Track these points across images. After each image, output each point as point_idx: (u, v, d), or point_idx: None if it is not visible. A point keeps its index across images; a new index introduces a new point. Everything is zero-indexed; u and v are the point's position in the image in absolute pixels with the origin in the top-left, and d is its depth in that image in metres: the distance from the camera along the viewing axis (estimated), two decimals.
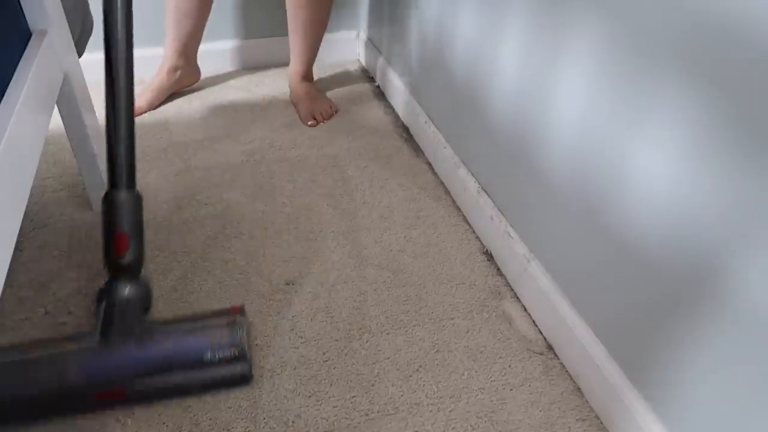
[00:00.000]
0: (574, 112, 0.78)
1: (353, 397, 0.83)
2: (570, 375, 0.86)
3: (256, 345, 0.90)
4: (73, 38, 1.06)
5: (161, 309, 0.96)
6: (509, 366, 0.88)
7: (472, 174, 1.14)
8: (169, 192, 1.22)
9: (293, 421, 0.80)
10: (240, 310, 0.81)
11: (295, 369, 0.87)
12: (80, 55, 1.11)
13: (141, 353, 0.75)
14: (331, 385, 0.85)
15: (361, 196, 1.22)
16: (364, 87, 1.66)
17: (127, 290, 0.78)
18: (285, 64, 1.74)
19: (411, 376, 0.86)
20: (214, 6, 1.66)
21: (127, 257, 0.80)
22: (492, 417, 0.81)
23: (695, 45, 0.57)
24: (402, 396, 0.83)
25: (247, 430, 0.79)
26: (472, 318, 0.95)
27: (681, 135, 0.61)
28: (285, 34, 1.74)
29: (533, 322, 0.95)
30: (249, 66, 1.75)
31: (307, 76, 1.55)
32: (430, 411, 0.82)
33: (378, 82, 1.66)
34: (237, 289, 1.00)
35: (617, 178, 0.71)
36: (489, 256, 1.07)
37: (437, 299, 0.99)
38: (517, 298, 0.99)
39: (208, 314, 0.85)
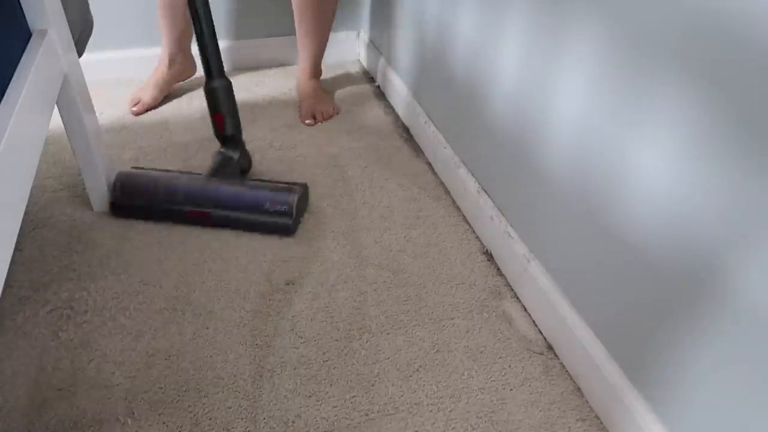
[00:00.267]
0: (574, 112, 0.78)
1: (353, 397, 0.83)
2: (570, 375, 0.86)
3: (257, 345, 0.90)
4: (73, 38, 1.05)
5: (163, 306, 0.96)
6: (509, 366, 0.88)
7: (472, 174, 1.14)
8: None
9: (293, 421, 0.80)
10: (304, 186, 1.15)
11: (295, 369, 0.87)
12: (80, 55, 1.11)
13: (225, 191, 1.10)
14: (331, 385, 0.85)
15: (361, 196, 1.22)
16: (365, 87, 1.66)
17: (228, 152, 1.17)
18: (285, 64, 1.75)
19: (411, 376, 0.86)
20: (213, 7, 1.66)
21: (227, 131, 1.16)
22: (492, 417, 0.81)
23: (695, 45, 0.57)
24: (402, 396, 0.83)
25: (247, 430, 0.79)
26: (472, 318, 0.95)
27: (681, 135, 0.61)
28: (284, 34, 1.74)
29: (533, 322, 0.95)
30: (249, 66, 1.75)
31: (315, 73, 1.56)
32: (430, 411, 0.82)
33: (378, 82, 1.66)
34: (238, 289, 1.00)
35: (617, 178, 0.71)
36: (489, 256, 1.07)
37: (437, 299, 0.99)
38: (517, 298, 0.99)
39: (282, 182, 1.15)
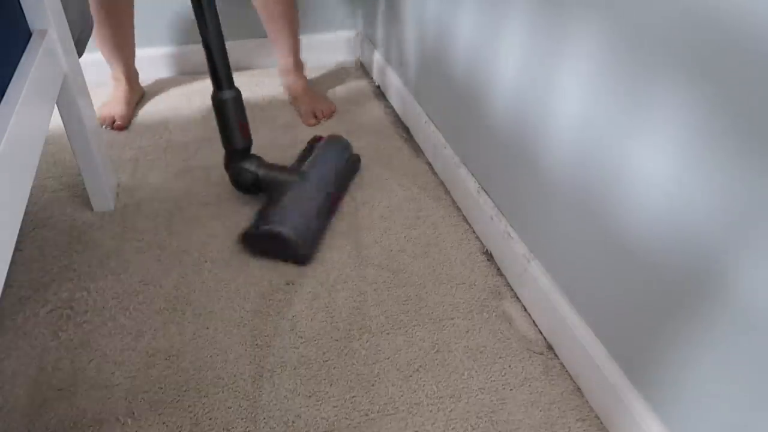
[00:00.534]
0: (574, 112, 0.78)
1: (353, 397, 0.83)
2: (570, 375, 0.86)
3: (257, 345, 0.90)
4: (73, 38, 1.05)
5: (163, 306, 0.96)
6: (509, 366, 0.88)
7: (472, 174, 1.14)
8: (169, 192, 1.23)
9: (293, 421, 0.80)
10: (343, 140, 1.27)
11: (295, 369, 0.87)
12: (80, 55, 1.11)
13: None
14: (331, 385, 0.85)
15: (361, 196, 1.22)
16: (364, 87, 1.66)
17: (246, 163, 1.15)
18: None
19: (411, 376, 0.86)
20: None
21: (247, 141, 1.15)
22: (492, 417, 0.81)
23: (695, 45, 0.57)
24: (402, 396, 0.83)
25: (247, 430, 0.79)
26: (472, 318, 0.95)
27: (681, 135, 0.61)
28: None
29: (533, 322, 0.95)
30: (248, 66, 1.75)
31: (299, 69, 1.55)
32: (430, 411, 0.82)
33: (378, 81, 1.66)
34: (238, 289, 1.00)
35: (617, 178, 0.71)
36: (489, 256, 1.07)
37: (437, 299, 0.99)
38: (517, 298, 0.99)
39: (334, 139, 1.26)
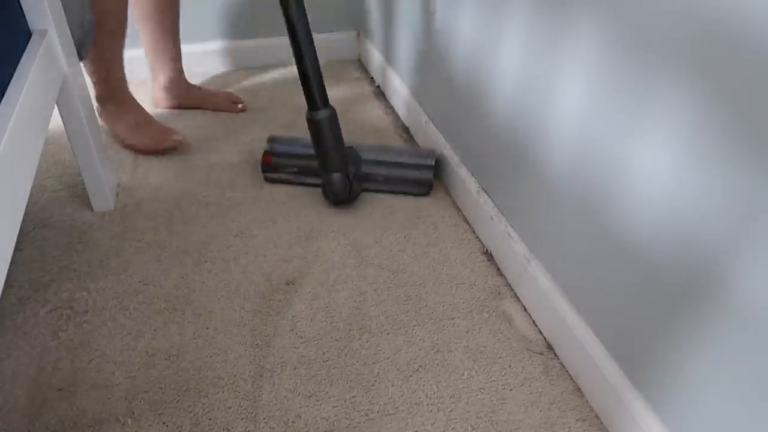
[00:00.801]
0: (575, 112, 0.78)
1: (353, 397, 0.83)
2: (570, 375, 0.86)
3: (257, 345, 0.90)
4: (73, 38, 1.05)
5: (163, 306, 0.96)
6: (509, 366, 0.88)
7: (472, 174, 1.14)
8: (170, 192, 1.23)
9: (293, 421, 0.80)
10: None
11: (295, 369, 0.87)
12: (82, 58, 1.11)
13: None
14: (331, 385, 0.85)
15: (361, 196, 1.21)
16: (364, 87, 1.66)
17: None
18: (285, 64, 1.75)
19: (411, 376, 0.86)
20: (213, 6, 1.67)
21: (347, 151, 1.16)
22: (492, 417, 0.81)
23: (696, 44, 0.57)
24: (402, 396, 0.83)
25: (247, 430, 0.79)
26: (472, 318, 0.95)
27: (681, 135, 0.61)
28: (285, 33, 1.74)
29: (533, 322, 0.95)
30: (249, 66, 1.75)
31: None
32: (430, 411, 0.81)
33: (378, 82, 1.66)
34: (238, 289, 1.00)
35: (617, 177, 0.71)
36: (489, 256, 1.07)
37: (437, 299, 0.99)
38: (517, 298, 0.99)
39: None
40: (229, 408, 0.81)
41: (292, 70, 1.72)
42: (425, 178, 1.21)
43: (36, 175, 0.83)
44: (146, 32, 1.37)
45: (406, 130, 1.45)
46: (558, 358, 0.89)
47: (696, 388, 0.64)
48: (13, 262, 1.03)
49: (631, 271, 0.72)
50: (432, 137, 1.29)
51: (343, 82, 1.68)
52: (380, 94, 1.62)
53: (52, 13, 0.95)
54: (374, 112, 1.54)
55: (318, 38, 1.74)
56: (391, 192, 1.22)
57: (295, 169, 1.22)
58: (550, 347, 0.91)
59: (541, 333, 0.93)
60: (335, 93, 1.62)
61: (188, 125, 1.45)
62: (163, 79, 1.47)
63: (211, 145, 1.37)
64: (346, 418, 0.80)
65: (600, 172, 0.75)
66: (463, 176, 1.15)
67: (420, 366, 0.88)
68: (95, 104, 1.30)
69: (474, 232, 1.13)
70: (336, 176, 1.13)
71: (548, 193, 0.87)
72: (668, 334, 0.67)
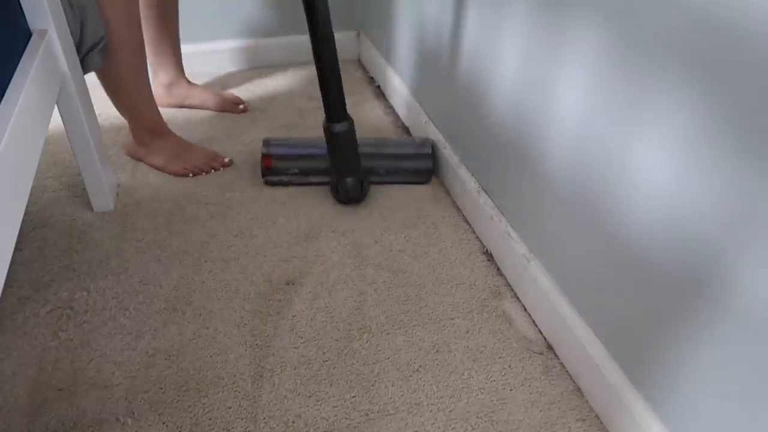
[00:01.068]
0: (575, 112, 0.78)
1: (353, 397, 0.83)
2: (570, 375, 0.86)
3: (257, 345, 0.90)
4: (87, 47, 1.05)
5: (163, 306, 0.96)
6: (509, 366, 0.88)
7: (472, 174, 1.14)
8: (170, 192, 1.23)
9: (293, 421, 0.80)
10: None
11: (295, 369, 0.87)
12: (89, 70, 1.09)
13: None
14: (331, 385, 0.85)
15: None
16: (365, 87, 1.66)
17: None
18: (285, 64, 1.75)
19: (411, 376, 0.86)
20: (214, 6, 1.67)
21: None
22: (492, 417, 0.81)
23: (696, 44, 0.57)
24: (402, 396, 0.83)
25: (247, 430, 0.79)
26: (472, 318, 0.95)
27: (681, 135, 0.61)
28: (285, 33, 1.74)
29: (533, 322, 0.95)
30: (249, 66, 1.75)
31: None
32: (430, 411, 0.82)
33: (378, 82, 1.66)
34: (238, 289, 1.00)
35: (617, 177, 0.71)
36: (489, 256, 1.07)
37: (437, 299, 0.99)
38: (517, 298, 0.99)
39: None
40: (229, 408, 0.81)
41: (293, 71, 1.72)
42: (425, 167, 1.24)
43: (36, 175, 0.83)
44: (146, 31, 1.37)
45: (406, 129, 1.45)
46: (558, 358, 0.89)
47: (696, 388, 0.64)
48: (13, 262, 1.03)
49: (631, 271, 0.72)
50: (432, 137, 1.29)
51: (342, 82, 1.68)
52: (380, 94, 1.62)
53: (52, 13, 0.95)
54: (374, 112, 1.54)
55: None
56: (393, 183, 1.24)
57: (297, 171, 1.23)
58: (550, 347, 0.91)
59: (541, 333, 0.93)
60: None
61: (188, 125, 1.45)
62: (163, 77, 1.47)
63: (212, 145, 1.37)
64: (346, 418, 0.80)
65: (600, 172, 0.75)
66: (463, 176, 1.15)
67: (420, 366, 0.88)
68: (130, 140, 1.30)
69: (474, 232, 1.13)
70: (350, 180, 1.15)
71: (548, 193, 0.87)
72: (668, 334, 0.67)
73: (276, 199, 1.21)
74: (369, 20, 1.69)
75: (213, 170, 1.29)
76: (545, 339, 0.92)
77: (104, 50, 1.09)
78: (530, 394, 0.84)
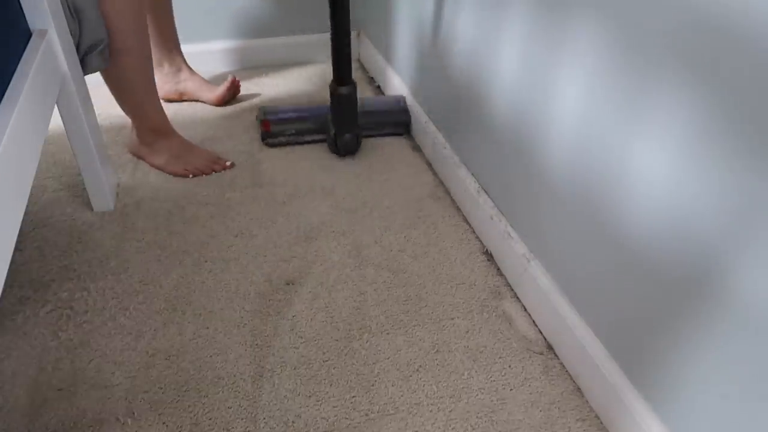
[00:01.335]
0: (575, 112, 0.78)
1: (353, 397, 0.83)
2: (570, 375, 0.86)
3: (257, 345, 0.90)
4: (83, 45, 1.05)
5: (163, 306, 0.96)
6: (509, 366, 0.88)
7: (472, 174, 1.14)
8: (170, 192, 1.23)
9: (293, 421, 0.80)
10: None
11: (295, 369, 0.87)
12: (89, 72, 1.09)
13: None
14: (331, 385, 0.85)
15: (361, 196, 1.22)
16: (364, 87, 1.66)
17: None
18: (285, 64, 1.75)
19: (411, 376, 0.86)
20: (214, 6, 1.67)
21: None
22: (492, 417, 0.81)
23: (696, 44, 0.57)
24: (402, 396, 0.83)
25: (247, 430, 0.79)
26: (472, 318, 0.95)
27: (682, 135, 0.61)
28: (285, 33, 1.74)
29: (533, 322, 0.95)
30: (249, 66, 1.75)
31: None
32: (430, 411, 0.82)
33: (378, 82, 1.66)
34: (238, 289, 1.00)
35: (618, 177, 0.71)
36: (489, 256, 1.07)
37: (437, 299, 0.99)
38: (517, 298, 0.99)
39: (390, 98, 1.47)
40: (229, 408, 0.82)
41: (293, 70, 1.72)
42: (403, 119, 1.41)
43: (36, 175, 0.83)
44: (149, 23, 1.39)
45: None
46: (558, 358, 0.89)
47: (696, 388, 0.64)
48: (13, 262, 1.03)
49: (631, 270, 0.72)
50: (432, 137, 1.29)
51: None
52: (380, 94, 1.62)
53: (52, 13, 0.95)
54: None
55: (319, 38, 1.74)
56: (377, 135, 1.41)
57: (293, 131, 1.36)
58: (550, 347, 0.91)
59: (541, 333, 0.93)
60: None
61: (188, 124, 1.45)
62: (168, 67, 1.49)
63: (212, 144, 1.37)
64: (346, 418, 0.80)
65: (600, 172, 0.75)
66: (463, 176, 1.15)
67: (420, 366, 0.88)
68: (133, 139, 1.30)
69: (474, 232, 1.13)
70: (348, 136, 1.30)
71: (548, 193, 0.87)
72: (668, 335, 0.67)
73: (276, 198, 1.21)
74: (369, 20, 1.69)
75: (213, 172, 1.28)
76: (545, 339, 0.92)
77: (104, 52, 1.09)
78: (530, 394, 0.84)
